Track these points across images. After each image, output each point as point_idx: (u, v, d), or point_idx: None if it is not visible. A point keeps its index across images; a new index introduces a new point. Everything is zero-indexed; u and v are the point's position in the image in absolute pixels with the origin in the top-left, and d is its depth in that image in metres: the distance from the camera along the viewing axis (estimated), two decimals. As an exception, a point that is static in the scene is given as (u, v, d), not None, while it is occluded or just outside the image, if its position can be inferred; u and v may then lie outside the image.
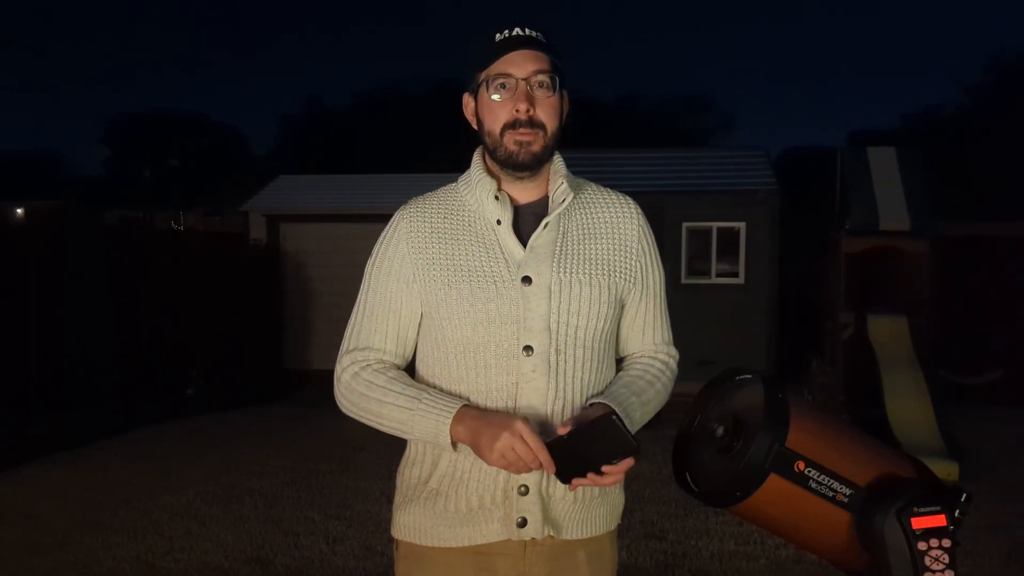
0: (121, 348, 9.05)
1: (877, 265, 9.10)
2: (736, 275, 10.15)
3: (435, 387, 1.73)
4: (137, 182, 35.53)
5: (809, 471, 1.40)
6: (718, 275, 10.17)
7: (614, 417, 1.55)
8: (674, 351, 1.86)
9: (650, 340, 1.83)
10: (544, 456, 1.52)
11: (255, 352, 10.98)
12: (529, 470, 1.56)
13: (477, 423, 1.60)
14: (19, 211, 21.55)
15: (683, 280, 9.97)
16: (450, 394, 1.70)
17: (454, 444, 1.64)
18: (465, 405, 1.65)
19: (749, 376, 1.54)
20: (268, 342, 11.48)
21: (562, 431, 1.55)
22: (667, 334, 1.85)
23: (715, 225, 10.11)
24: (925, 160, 9.49)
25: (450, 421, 1.62)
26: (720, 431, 1.49)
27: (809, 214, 12.43)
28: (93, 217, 20.24)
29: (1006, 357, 9.89)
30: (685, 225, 10.04)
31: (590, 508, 1.74)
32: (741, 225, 10.06)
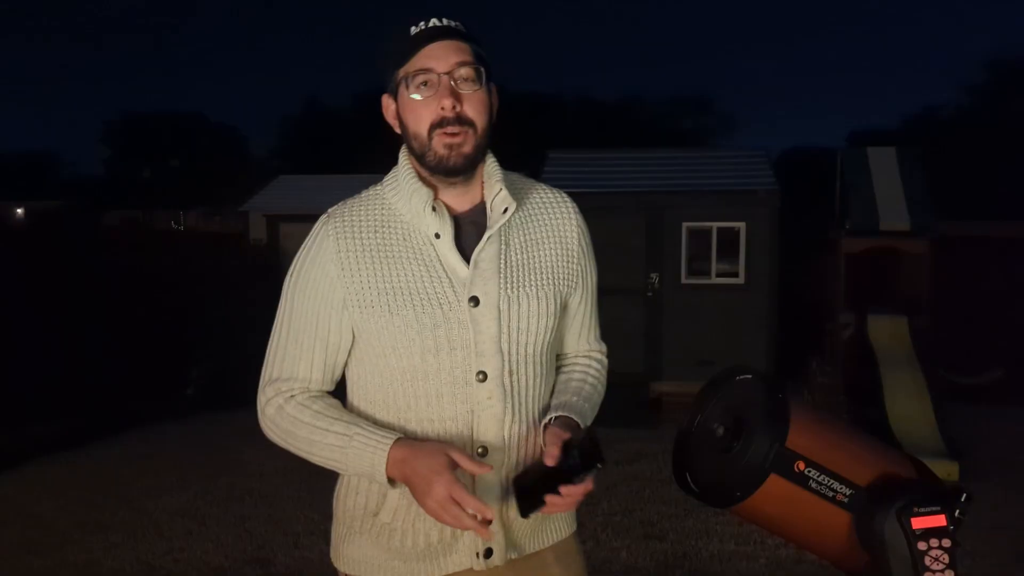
0: (121, 348, 9.05)
1: (877, 265, 9.10)
2: (736, 275, 10.15)
3: (377, 417, 1.60)
4: (137, 182, 35.56)
5: (809, 471, 1.40)
6: (718, 275, 10.17)
7: (594, 435, 1.49)
8: (604, 346, 1.82)
9: (584, 340, 1.78)
10: (481, 508, 1.43)
11: (255, 352, 10.95)
12: (465, 527, 1.44)
13: (406, 468, 1.47)
14: (19, 211, 21.53)
15: (683, 280, 9.97)
16: (383, 426, 1.57)
17: (392, 482, 1.51)
18: (399, 439, 1.51)
19: (749, 376, 1.54)
20: (268, 342, 11.45)
21: (550, 462, 1.47)
22: (598, 331, 1.81)
23: (715, 225, 10.10)
24: (925, 160, 9.50)
25: (386, 458, 1.49)
26: (720, 431, 1.49)
27: (809, 214, 12.43)
28: (93, 217, 20.22)
29: (1006, 357, 9.89)
30: (685, 225, 10.03)
31: (546, 519, 1.68)
32: (741, 225, 10.06)
